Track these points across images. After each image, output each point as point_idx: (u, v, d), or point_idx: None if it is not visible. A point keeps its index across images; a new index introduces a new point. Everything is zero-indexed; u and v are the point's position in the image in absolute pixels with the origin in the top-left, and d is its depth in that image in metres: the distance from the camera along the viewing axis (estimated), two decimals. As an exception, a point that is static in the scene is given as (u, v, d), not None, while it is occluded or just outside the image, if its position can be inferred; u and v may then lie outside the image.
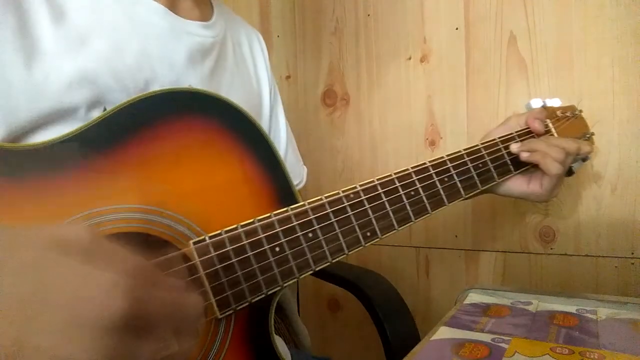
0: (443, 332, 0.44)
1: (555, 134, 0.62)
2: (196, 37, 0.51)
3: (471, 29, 0.85)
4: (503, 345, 0.40)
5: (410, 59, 0.90)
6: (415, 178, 0.48)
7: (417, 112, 0.90)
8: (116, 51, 0.44)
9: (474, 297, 0.54)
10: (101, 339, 0.20)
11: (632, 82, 0.73)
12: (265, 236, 0.39)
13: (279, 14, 1.04)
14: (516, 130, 0.59)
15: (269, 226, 0.39)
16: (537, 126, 0.58)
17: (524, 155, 0.56)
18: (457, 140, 0.87)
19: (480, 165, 0.53)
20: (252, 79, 0.63)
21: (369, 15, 0.94)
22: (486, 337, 0.42)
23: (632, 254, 0.75)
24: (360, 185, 0.44)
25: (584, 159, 0.64)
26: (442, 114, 0.88)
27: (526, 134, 0.59)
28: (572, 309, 0.48)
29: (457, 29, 0.86)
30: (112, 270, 0.22)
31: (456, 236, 0.89)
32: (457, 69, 0.86)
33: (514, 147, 0.57)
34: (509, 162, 0.56)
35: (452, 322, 0.46)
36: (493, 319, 0.47)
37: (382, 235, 0.44)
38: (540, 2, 0.79)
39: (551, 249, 0.81)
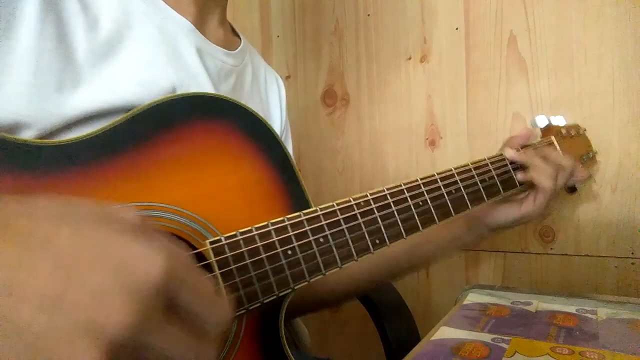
0: (443, 332, 0.44)
1: (560, 151, 0.64)
2: (218, 61, 0.54)
3: (471, 29, 0.85)
4: (503, 345, 0.40)
5: (410, 59, 0.90)
6: (423, 189, 0.49)
7: (417, 112, 0.90)
8: (144, 63, 0.46)
9: (474, 297, 0.54)
10: (134, 302, 0.21)
11: (632, 82, 0.73)
12: (278, 239, 0.40)
13: (279, 14, 1.04)
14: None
15: (282, 229, 0.40)
16: (510, 155, 0.60)
17: (519, 177, 0.59)
18: (457, 140, 0.87)
19: (487, 179, 0.55)
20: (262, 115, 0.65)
21: (369, 15, 0.94)
22: (486, 337, 0.42)
23: (632, 254, 0.75)
24: (371, 194, 0.45)
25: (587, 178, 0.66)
26: (442, 114, 0.88)
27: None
28: (572, 309, 0.49)
29: (457, 29, 0.86)
30: (159, 245, 0.23)
31: (456, 236, 0.89)
32: (457, 69, 0.86)
33: (510, 152, 0.59)
34: (514, 176, 0.59)
35: (452, 322, 0.46)
36: (493, 319, 0.47)
37: (390, 243, 0.45)
38: (540, 2, 0.79)
39: (551, 249, 0.81)
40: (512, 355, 0.38)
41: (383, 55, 0.93)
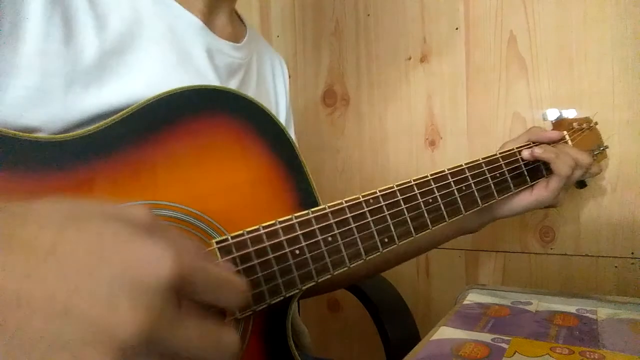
0: (443, 332, 0.44)
1: (571, 145, 0.63)
2: (227, 57, 0.54)
3: (471, 29, 0.85)
4: (503, 345, 0.40)
5: (410, 59, 0.90)
6: (434, 186, 0.48)
7: (417, 112, 0.90)
8: (155, 64, 0.45)
9: (474, 297, 0.54)
10: (144, 304, 0.21)
11: (632, 82, 0.73)
12: (286, 238, 0.39)
13: (279, 14, 1.04)
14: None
15: (290, 228, 0.39)
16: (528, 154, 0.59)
17: (537, 152, 0.57)
18: (457, 140, 0.87)
19: (498, 175, 0.54)
20: (272, 102, 0.65)
21: (369, 15, 0.94)
22: (486, 337, 0.42)
23: (632, 254, 0.75)
24: (380, 191, 0.44)
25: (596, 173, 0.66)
26: (442, 114, 0.88)
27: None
28: (572, 309, 0.48)
29: (457, 29, 0.86)
30: (165, 242, 0.23)
31: (456, 236, 0.89)
32: (457, 69, 0.86)
33: (526, 152, 0.58)
34: (525, 172, 0.57)
35: (452, 322, 0.46)
36: (493, 319, 0.47)
37: (399, 242, 0.44)
38: (540, 2, 0.79)
39: (551, 249, 0.81)
40: (512, 355, 0.38)
41: (383, 55, 0.93)
